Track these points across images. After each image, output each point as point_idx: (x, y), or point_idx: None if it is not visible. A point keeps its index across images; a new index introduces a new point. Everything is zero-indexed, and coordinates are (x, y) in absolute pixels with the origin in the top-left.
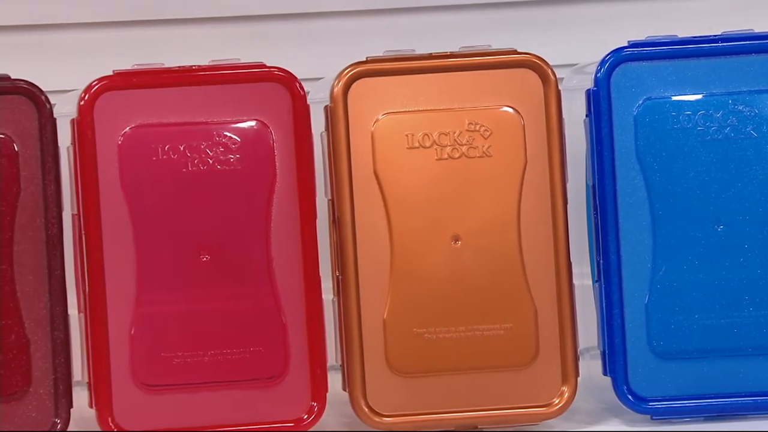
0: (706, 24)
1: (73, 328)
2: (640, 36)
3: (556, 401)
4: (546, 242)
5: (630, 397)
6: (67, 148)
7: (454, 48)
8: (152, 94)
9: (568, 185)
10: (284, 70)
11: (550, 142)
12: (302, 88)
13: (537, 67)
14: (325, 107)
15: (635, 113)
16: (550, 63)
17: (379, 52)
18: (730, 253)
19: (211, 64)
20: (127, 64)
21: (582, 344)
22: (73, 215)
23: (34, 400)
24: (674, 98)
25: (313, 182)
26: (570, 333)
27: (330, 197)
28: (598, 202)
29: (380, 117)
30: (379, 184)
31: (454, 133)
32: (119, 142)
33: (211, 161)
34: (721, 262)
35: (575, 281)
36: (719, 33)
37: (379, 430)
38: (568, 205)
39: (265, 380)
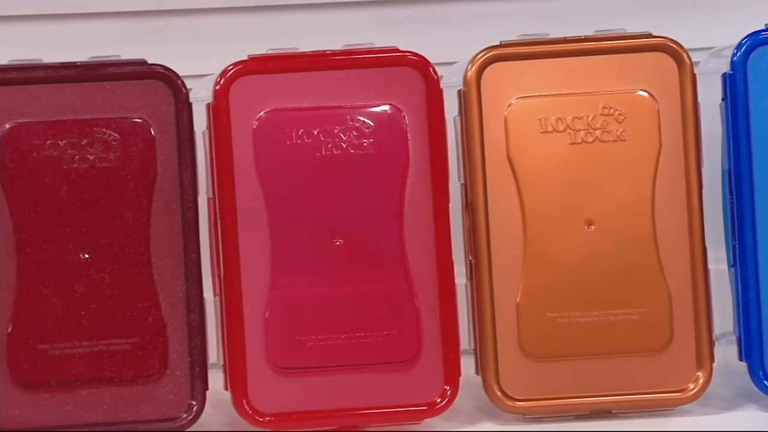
0: None
1: (208, 311)
2: None
3: (691, 386)
4: (681, 227)
5: (766, 382)
6: (203, 132)
7: (588, 32)
8: (287, 79)
9: (703, 170)
10: (418, 54)
11: (685, 126)
12: (436, 72)
13: (672, 50)
14: (459, 91)
15: None
16: (686, 47)
17: (513, 36)
18: None
19: (345, 48)
20: (261, 49)
21: (717, 329)
22: (208, 199)
23: (171, 382)
24: None
25: (446, 166)
26: (705, 318)
27: (463, 181)
28: (734, 187)
29: (514, 101)
30: (512, 168)
31: (588, 117)
32: (254, 127)
33: (344, 145)
34: None
35: (710, 266)
36: None
37: (512, 413)
38: (704, 190)
39: (398, 364)
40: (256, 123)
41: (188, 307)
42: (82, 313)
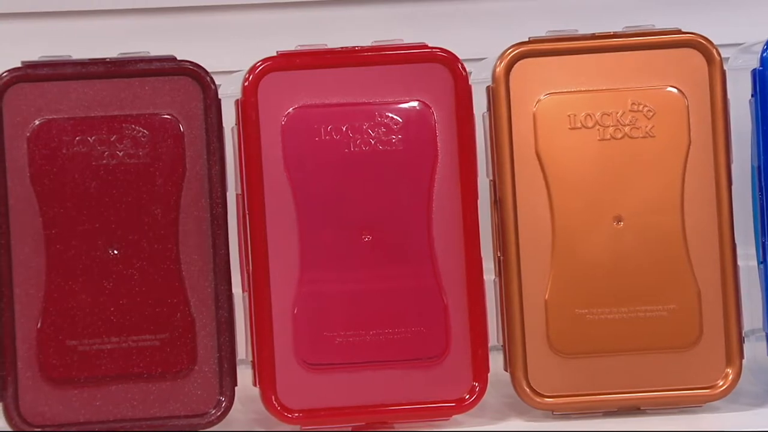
0: None
1: (237, 307)
2: None
3: (721, 383)
4: (710, 223)
5: None
6: (232, 128)
7: (617, 28)
8: (315, 75)
9: (733, 166)
10: (447, 50)
11: (714, 122)
12: (464, 68)
13: (701, 46)
14: (487, 88)
15: None
16: (715, 42)
17: (542, 33)
18: None
19: (373, 44)
20: (290, 45)
21: (747, 326)
22: (237, 195)
23: (200, 377)
24: None
25: (475, 163)
26: (734, 314)
27: (491, 178)
28: (763, 183)
29: (542, 97)
30: (540, 164)
31: (617, 113)
32: (282, 123)
33: (373, 142)
34: None
35: (740, 262)
36: None
37: (541, 410)
38: (733, 186)
39: (426, 360)
40: (285, 119)
41: (217, 303)
42: (111, 309)
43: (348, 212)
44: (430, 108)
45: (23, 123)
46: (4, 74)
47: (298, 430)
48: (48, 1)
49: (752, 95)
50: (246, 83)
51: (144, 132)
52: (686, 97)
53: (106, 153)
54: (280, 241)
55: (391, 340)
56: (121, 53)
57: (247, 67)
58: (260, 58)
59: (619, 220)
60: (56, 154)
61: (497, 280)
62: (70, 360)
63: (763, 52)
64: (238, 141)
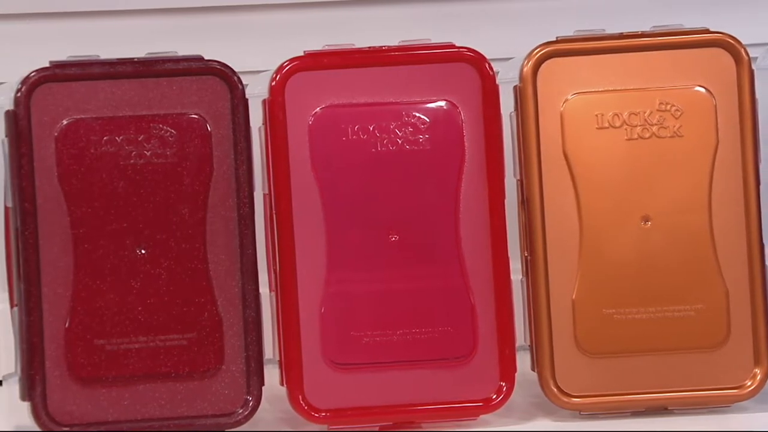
0: None
1: (264, 306)
2: None
3: (749, 383)
4: (738, 223)
5: None
6: (259, 128)
7: (645, 27)
8: (342, 75)
9: (761, 165)
10: (474, 50)
11: (742, 122)
12: (491, 68)
13: (730, 46)
14: (515, 87)
15: None
16: (743, 42)
17: (569, 32)
18: None
19: (400, 44)
20: (317, 45)
21: None
22: (264, 195)
23: (227, 377)
24: None
25: (502, 162)
26: (762, 314)
27: (519, 177)
28: None
29: (570, 97)
30: (568, 164)
31: (645, 113)
32: (310, 123)
33: (400, 141)
34: None
35: None
36: None
37: (568, 410)
38: (761, 186)
39: (453, 360)
40: (312, 119)
41: (244, 303)
42: (139, 308)
43: (375, 212)
44: (458, 108)
45: (51, 123)
46: (33, 74)
47: (325, 429)
48: (76, 1)
49: None
50: (273, 83)
51: (171, 132)
52: (714, 97)
53: (134, 153)
54: (307, 241)
55: (419, 339)
56: (149, 53)
57: (274, 67)
58: (287, 58)
59: (646, 219)
60: (84, 153)
61: (524, 279)
62: (98, 359)
63: None
64: (265, 141)
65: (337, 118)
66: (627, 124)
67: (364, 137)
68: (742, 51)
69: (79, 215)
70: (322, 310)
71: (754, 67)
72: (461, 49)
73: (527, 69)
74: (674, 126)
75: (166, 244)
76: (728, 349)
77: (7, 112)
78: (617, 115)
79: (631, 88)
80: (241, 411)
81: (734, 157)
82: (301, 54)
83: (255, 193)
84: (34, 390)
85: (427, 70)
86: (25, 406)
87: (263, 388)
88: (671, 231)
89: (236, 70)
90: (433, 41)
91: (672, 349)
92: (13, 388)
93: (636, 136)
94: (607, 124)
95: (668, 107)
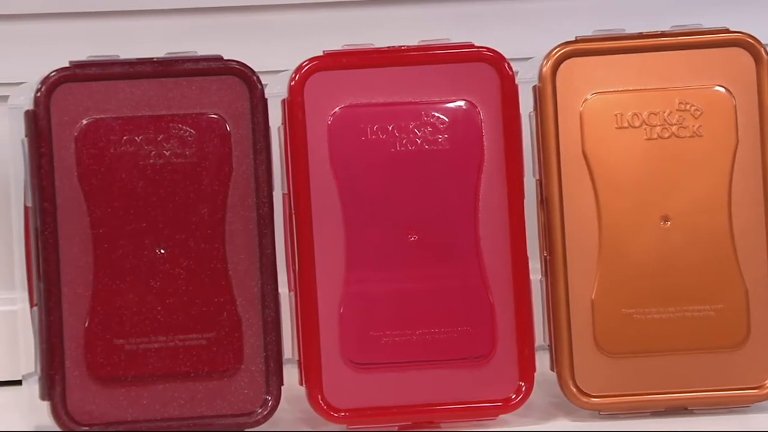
0: None
1: (283, 306)
2: None
3: None
4: (758, 223)
5: None
6: (278, 128)
7: (664, 27)
8: (362, 75)
9: None
10: (493, 50)
11: (762, 121)
12: (511, 68)
13: (750, 46)
14: (534, 87)
15: None
16: (763, 42)
17: (588, 32)
18: None
19: (420, 44)
20: (336, 45)
21: None
22: (283, 195)
23: (246, 377)
24: None
25: (521, 162)
26: None
27: (538, 177)
28: None
29: (589, 97)
30: (587, 164)
31: (664, 112)
32: (329, 122)
33: (419, 141)
34: None
35: None
36: None
37: (587, 410)
38: None
39: (472, 360)
40: (331, 119)
41: (263, 303)
42: (158, 308)
43: (394, 212)
44: (477, 107)
45: (71, 122)
46: (52, 74)
47: (345, 429)
48: (96, 1)
49: None
50: (292, 83)
51: (191, 131)
52: (734, 97)
53: (153, 152)
54: (326, 241)
55: (438, 339)
56: (168, 53)
57: (293, 67)
58: (307, 58)
59: (666, 219)
60: (104, 153)
61: (543, 279)
62: (117, 359)
63: None
64: (285, 140)
65: (357, 117)
66: (646, 124)
67: (383, 137)
68: (762, 50)
69: (98, 215)
70: (341, 310)
71: None
72: (480, 49)
73: (546, 69)
74: (694, 126)
75: (185, 243)
76: (748, 349)
77: (27, 112)
78: (637, 114)
79: (651, 87)
80: (260, 411)
81: (754, 156)
82: (321, 54)
83: (274, 193)
84: (54, 390)
85: (447, 69)
86: (45, 405)
87: (282, 387)
88: (691, 231)
89: (255, 69)
90: (452, 41)
91: (692, 349)
92: (33, 387)
93: (655, 135)
94: (626, 124)
95: (688, 107)
